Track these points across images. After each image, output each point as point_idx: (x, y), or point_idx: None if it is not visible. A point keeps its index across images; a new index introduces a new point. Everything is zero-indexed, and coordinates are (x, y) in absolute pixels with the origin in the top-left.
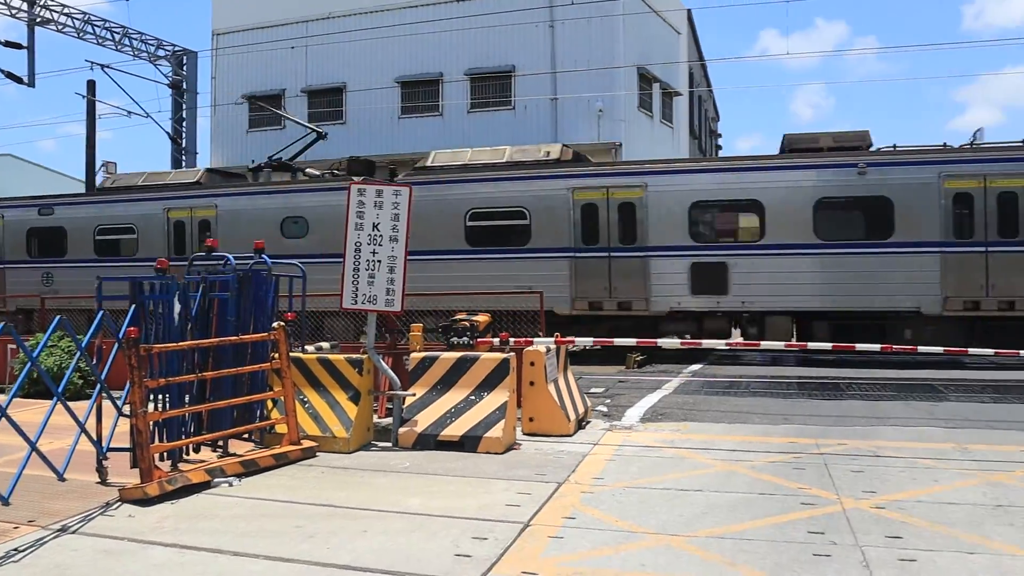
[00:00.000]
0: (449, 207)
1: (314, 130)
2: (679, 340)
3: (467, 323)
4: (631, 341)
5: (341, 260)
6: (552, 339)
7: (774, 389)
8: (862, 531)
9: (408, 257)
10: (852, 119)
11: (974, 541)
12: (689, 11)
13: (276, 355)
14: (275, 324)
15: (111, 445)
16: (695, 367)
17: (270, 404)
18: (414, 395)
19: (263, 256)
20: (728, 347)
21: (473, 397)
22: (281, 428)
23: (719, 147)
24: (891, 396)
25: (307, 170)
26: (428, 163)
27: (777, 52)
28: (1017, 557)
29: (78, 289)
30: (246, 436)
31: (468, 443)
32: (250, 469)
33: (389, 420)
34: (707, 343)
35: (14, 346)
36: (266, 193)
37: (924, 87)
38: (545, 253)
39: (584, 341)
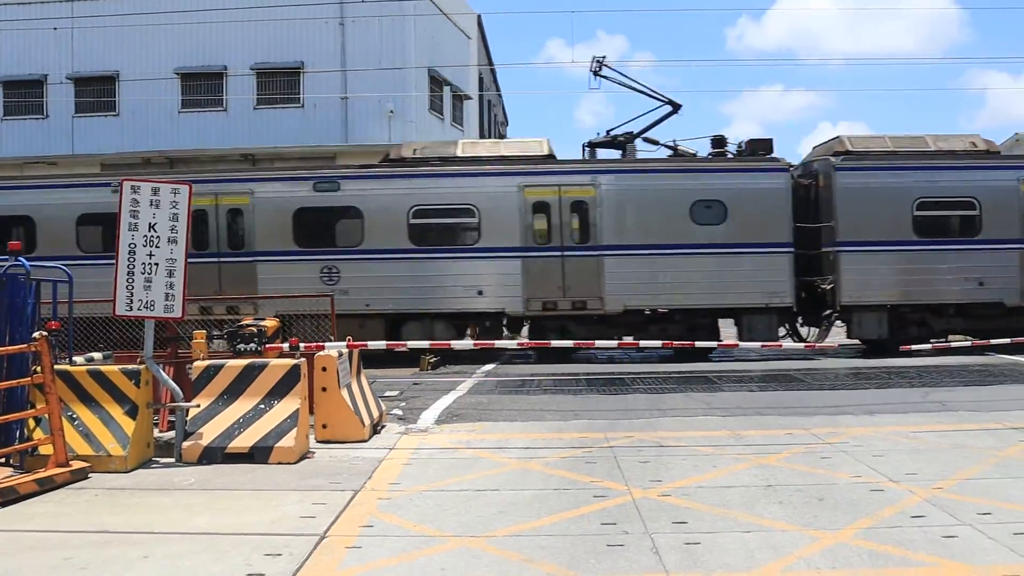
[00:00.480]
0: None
1: None
2: (472, 341)
3: (254, 328)
4: (424, 344)
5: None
6: (344, 343)
7: (564, 386)
8: (651, 519)
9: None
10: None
11: (750, 520)
12: (479, 16)
13: (38, 368)
14: (36, 334)
15: None
16: (488, 367)
17: (32, 423)
18: (198, 406)
19: (20, 259)
20: (520, 347)
21: (263, 406)
22: (46, 449)
23: None
24: (672, 389)
25: None
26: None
27: (563, 60)
28: (786, 532)
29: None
30: (2, 461)
31: (258, 454)
32: (8, 498)
33: (172, 434)
34: (500, 343)
35: None
36: None
37: (696, 99)
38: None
39: (378, 345)
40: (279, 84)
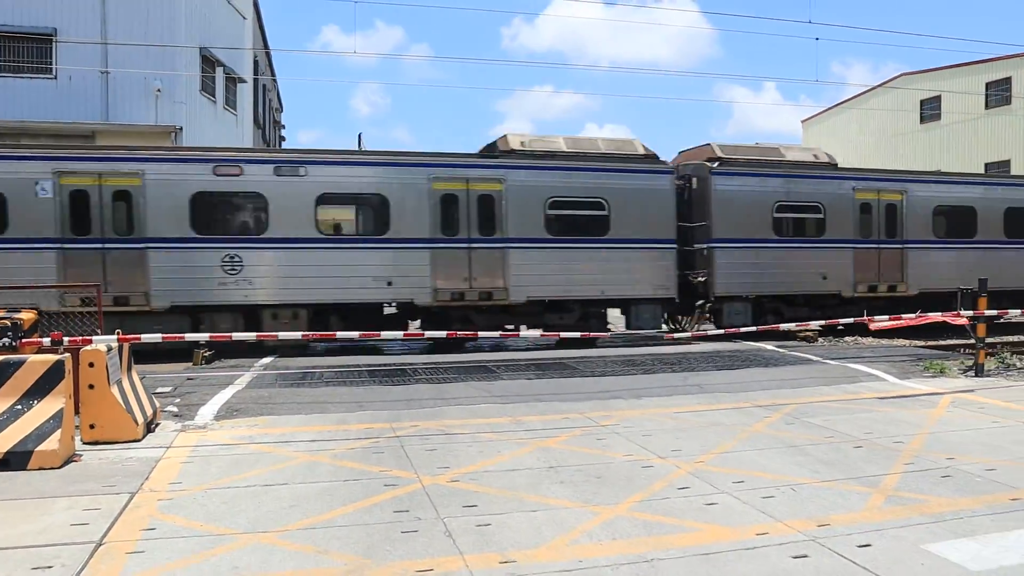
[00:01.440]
0: None
1: None
2: (255, 333)
3: (8, 321)
4: (204, 336)
5: None
6: (114, 336)
7: (347, 377)
8: (442, 504)
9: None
10: (407, 119)
11: (536, 500)
12: None
13: None
14: None
15: None
16: (266, 360)
17: None
18: None
19: None
20: (304, 338)
21: (20, 407)
22: None
23: (283, 138)
24: (453, 378)
25: None
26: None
27: (342, 48)
28: (570, 509)
29: None
30: None
31: (16, 460)
32: None
33: None
34: (283, 335)
35: None
36: None
37: (469, 95)
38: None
39: (152, 338)
40: (26, 51)
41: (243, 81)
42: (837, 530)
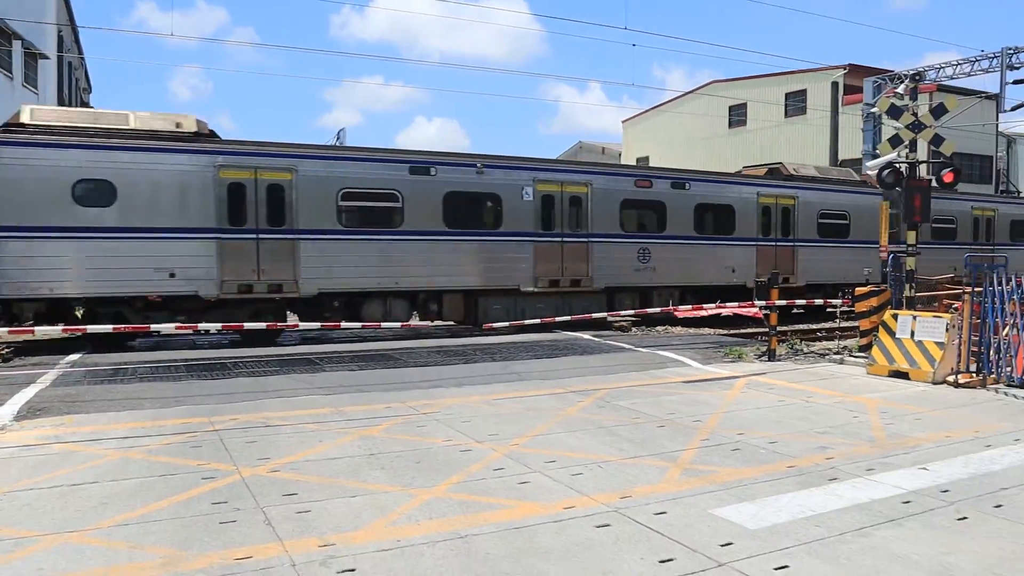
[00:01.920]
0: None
1: None
2: (60, 326)
3: None
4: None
5: None
6: None
7: (163, 373)
8: (261, 494)
9: None
10: (230, 105)
11: (356, 486)
12: None
13: None
14: None
15: None
16: (74, 357)
17: None
18: None
19: None
20: (114, 330)
21: None
22: None
23: None
24: (275, 371)
25: None
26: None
27: (159, 27)
28: (389, 493)
29: None
30: None
31: None
32: None
33: None
34: (92, 328)
35: None
36: None
37: (296, 84)
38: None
39: None
40: None
41: (45, 57)
42: (637, 501)
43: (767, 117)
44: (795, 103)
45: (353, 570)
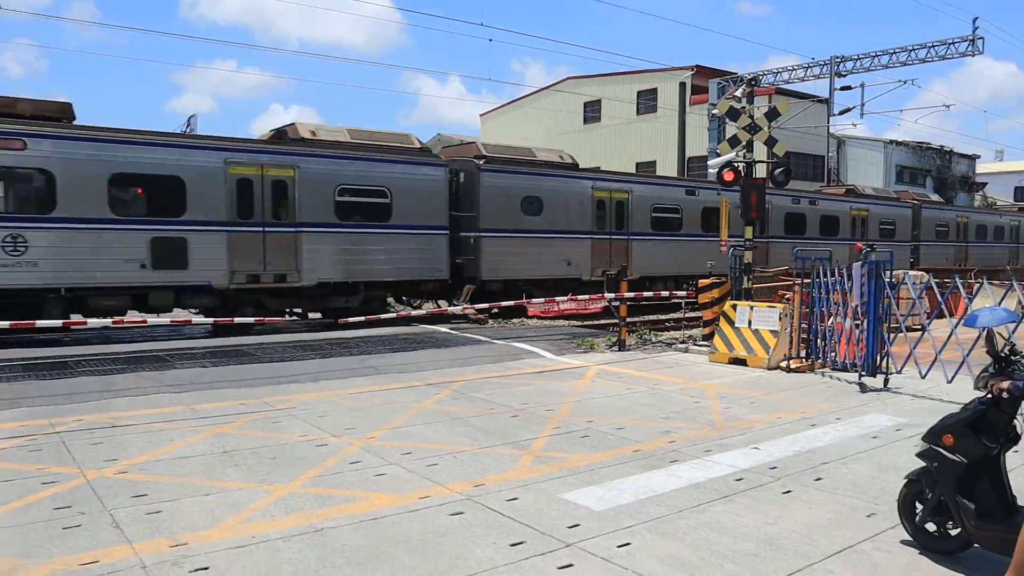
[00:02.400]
0: None
1: None
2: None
3: None
4: None
5: None
6: None
7: None
8: (108, 496)
9: None
10: (69, 85)
11: (209, 485)
12: None
13: None
14: None
15: None
16: None
17: None
18: None
19: None
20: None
21: None
22: None
23: None
24: (121, 369)
25: None
26: None
27: None
28: (244, 490)
29: None
30: None
31: None
32: None
33: None
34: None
35: None
36: None
37: (143, 66)
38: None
39: None
40: None
41: None
42: (490, 488)
43: (620, 114)
44: (646, 101)
45: (207, 568)
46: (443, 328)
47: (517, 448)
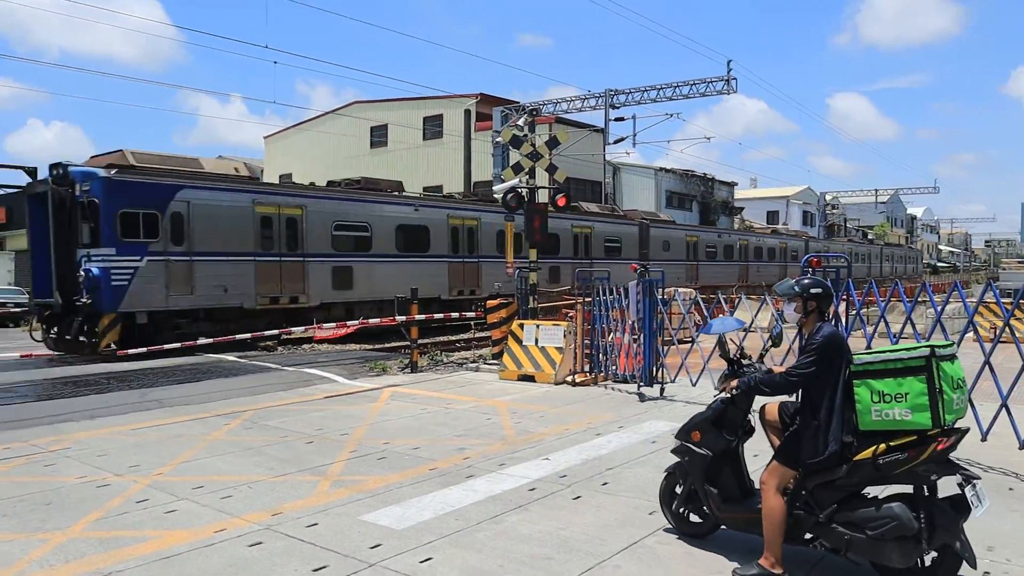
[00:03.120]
0: None
1: None
2: None
3: None
4: None
5: None
6: None
7: None
8: None
9: None
10: None
11: None
12: None
13: None
14: None
15: None
16: None
17: None
18: None
19: None
20: None
21: None
22: None
23: None
24: None
25: None
26: None
27: None
28: (15, 541)
29: None
30: None
31: None
32: None
33: None
34: None
35: None
36: None
37: None
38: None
39: None
40: None
41: None
42: (289, 516)
43: (407, 139)
44: (433, 127)
45: None
46: (230, 356)
47: (314, 474)
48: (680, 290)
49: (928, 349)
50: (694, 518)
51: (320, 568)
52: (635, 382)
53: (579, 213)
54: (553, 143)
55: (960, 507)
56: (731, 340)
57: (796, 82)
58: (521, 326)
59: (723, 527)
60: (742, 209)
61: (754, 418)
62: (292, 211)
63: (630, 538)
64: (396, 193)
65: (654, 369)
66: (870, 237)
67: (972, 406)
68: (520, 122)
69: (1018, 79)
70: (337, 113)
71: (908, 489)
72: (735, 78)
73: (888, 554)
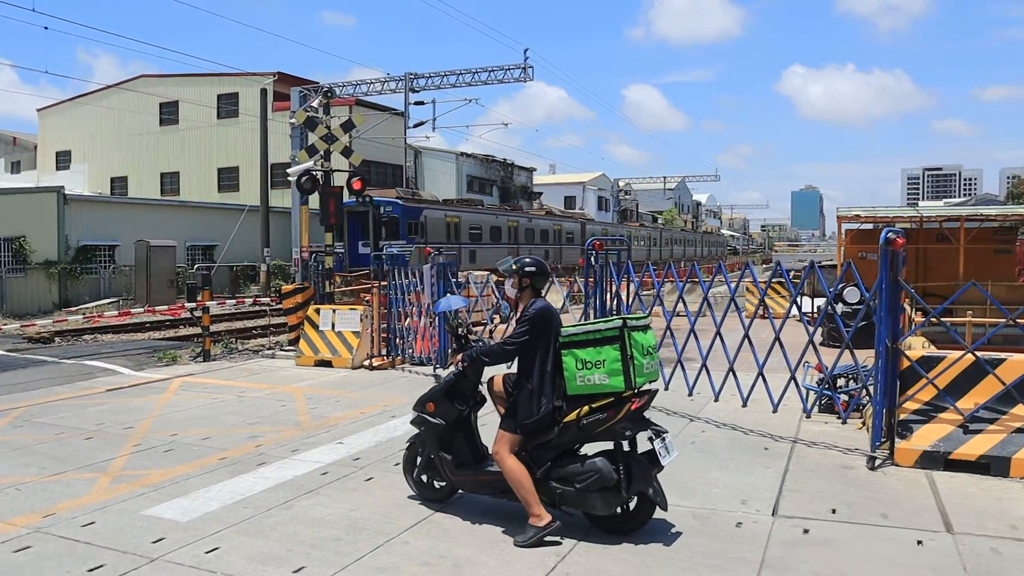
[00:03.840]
0: None
1: None
2: None
3: None
4: None
5: None
6: None
7: None
8: None
9: None
10: None
11: None
12: None
13: None
14: None
15: None
16: None
17: None
18: None
19: None
20: None
21: None
22: None
23: None
24: None
25: None
26: None
27: None
28: None
29: None
30: None
31: None
32: None
33: None
34: None
35: None
36: None
37: None
38: None
39: None
40: None
41: None
42: (63, 517)
43: (200, 118)
44: (228, 105)
45: None
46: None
47: (93, 471)
48: (474, 273)
49: (621, 321)
50: (437, 484)
51: (96, 568)
52: (431, 364)
53: None
54: (349, 126)
55: (655, 459)
56: (460, 316)
57: (594, 72)
58: (317, 311)
59: (460, 491)
60: (540, 194)
61: (485, 389)
62: (454, 219)
63: (419, 515)
64: (482, 206)
65: (448, 351)
66: (659, 222)
67: (734, 375)
68: (315, 103)
69: (789, 79)
70: (122, 87)
71: (612, 445)
72: (531, 66)
73: (593, 503)
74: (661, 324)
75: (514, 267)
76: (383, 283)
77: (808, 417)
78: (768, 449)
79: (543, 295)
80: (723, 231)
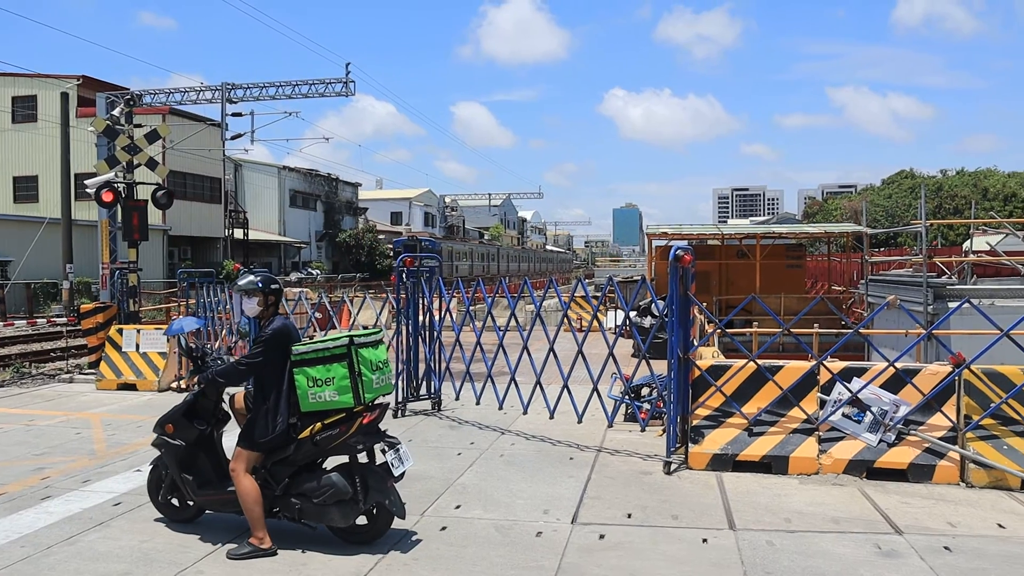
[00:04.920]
0: None
1: None
2: None
3: None
4: None
5: None
6: None
7: None
8: None
9: None
10: None
11: None
12: None
13: None
14: None
15: None
16: None
17: None
18: None
19: None
20: None
21: None
22: None
23: None
24: None
25: None
26: None
27: None
28: None
29: None
30: None
31: None
32: None
33: None
34: None
35: None
36: None
37: None
38: None
39: None
40: None
41: None
42: None
43: None
44: (24, 109)
45: None
46: None
47: None
48: (304, 291)
49: (348, 339)
50: (184, 503)
51: None
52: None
53: None
54: (153, 136)
55: (390, 470)
56: (191, 337)
57: (424, 89)
58: (120, 331)
59: (208, 511)
60: (366, 209)
61: (226, 405)
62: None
63: (217, 541)
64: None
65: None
66: (486, 238)
67: (541, 388)
68: (116, 111)
69: (610, 100)
70: None
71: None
72: (354, 80)
73: (332, 516)
74: (493, 340)
75: (260, 285)
76: (191, 301)
77: (611, 426)
78: (573, 459)
79: (281, 312)
80: (548, 247)
